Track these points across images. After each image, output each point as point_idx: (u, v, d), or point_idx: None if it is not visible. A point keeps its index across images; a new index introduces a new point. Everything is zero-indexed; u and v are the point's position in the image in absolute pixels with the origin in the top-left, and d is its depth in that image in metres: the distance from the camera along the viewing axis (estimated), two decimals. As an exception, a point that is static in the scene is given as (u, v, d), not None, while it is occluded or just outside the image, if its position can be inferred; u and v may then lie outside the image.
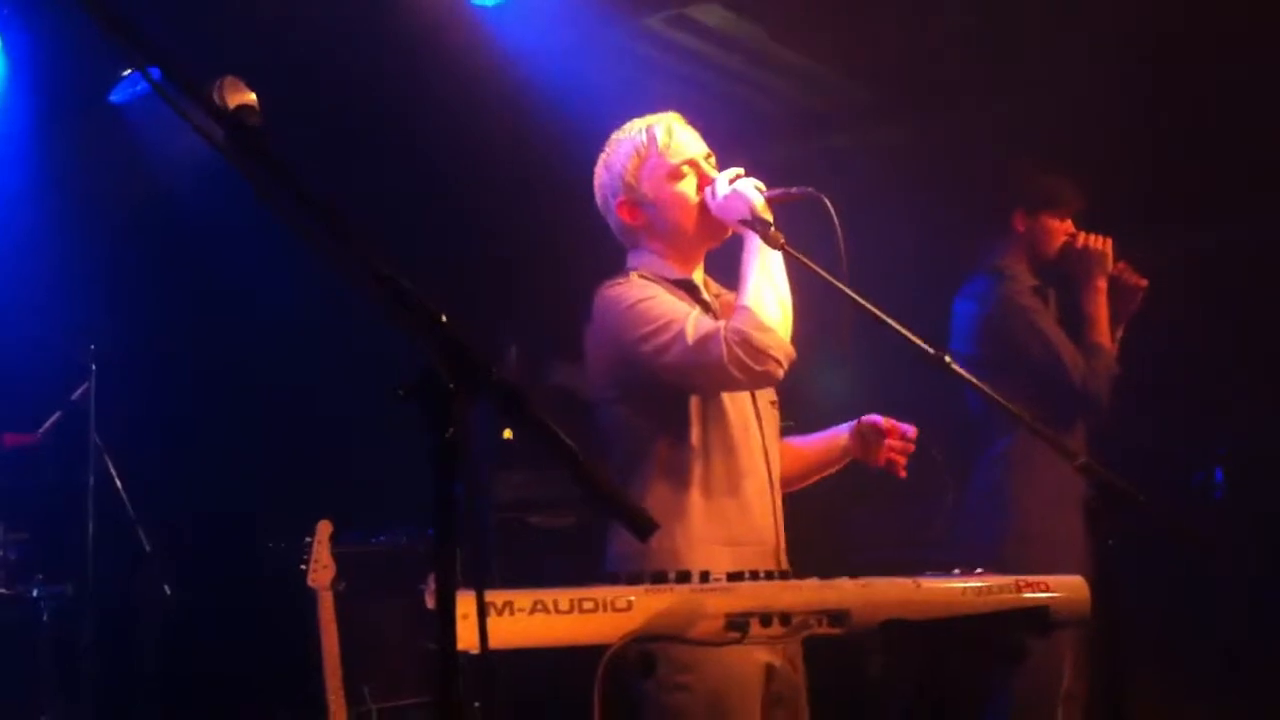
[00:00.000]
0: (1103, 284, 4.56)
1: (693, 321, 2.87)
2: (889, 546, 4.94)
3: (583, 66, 5.28)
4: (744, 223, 2.97)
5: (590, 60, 5.33)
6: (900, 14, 5.17)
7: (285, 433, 5.40)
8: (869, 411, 3.21)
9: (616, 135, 3.16)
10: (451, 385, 1.61)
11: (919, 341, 2.69)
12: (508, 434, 5.22)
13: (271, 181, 1.72)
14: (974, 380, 2.80)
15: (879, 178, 5.88)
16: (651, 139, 3.07)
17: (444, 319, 1.63)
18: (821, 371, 3.35)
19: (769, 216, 2.95)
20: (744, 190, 2.98)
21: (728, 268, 3.11)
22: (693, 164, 3.07)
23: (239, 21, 4.56)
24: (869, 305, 2.73)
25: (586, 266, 5.36)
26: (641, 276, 3.03)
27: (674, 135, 3.08)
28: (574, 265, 5.63)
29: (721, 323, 2.86)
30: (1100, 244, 4.58)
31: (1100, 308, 4.55)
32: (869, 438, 3.19)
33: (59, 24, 4.71)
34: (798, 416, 3.28)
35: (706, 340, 2.83)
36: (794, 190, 2.99)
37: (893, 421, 3.17)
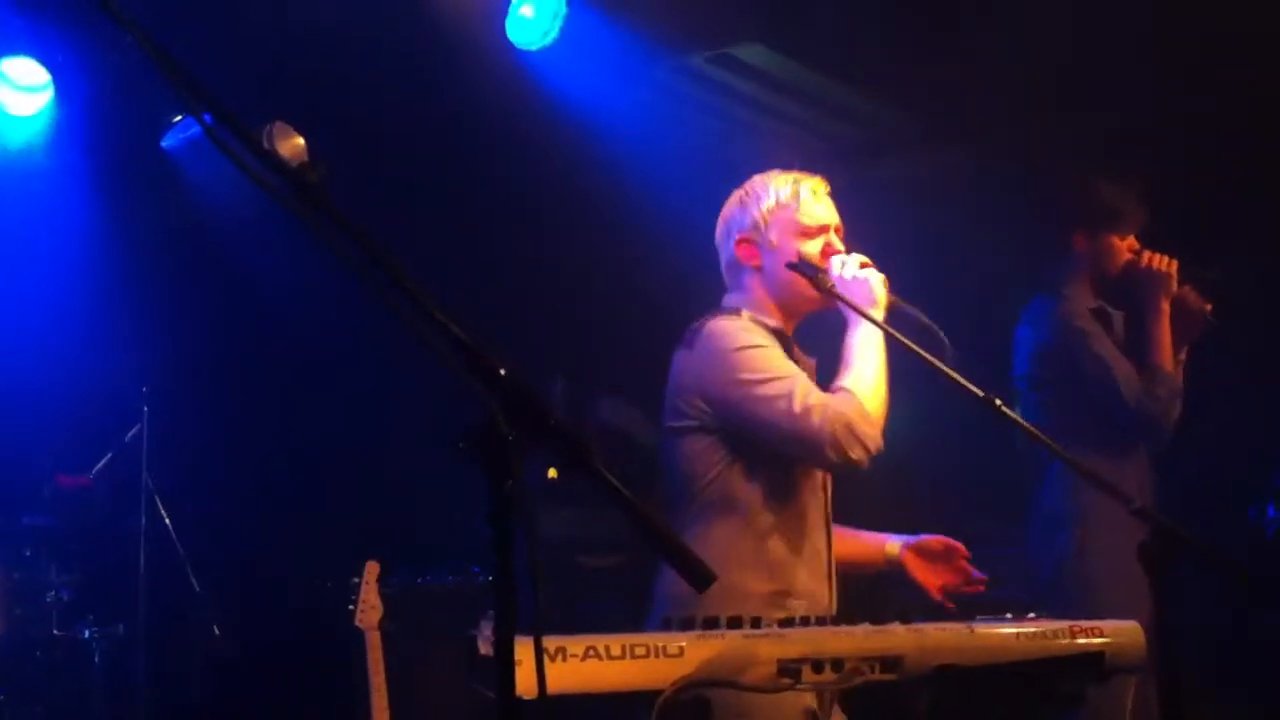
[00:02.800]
0: (1166, 306, 4.47)
1: (802, 387, 2.87)
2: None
3: (627, 106, 5.32)
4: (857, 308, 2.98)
5: (635, 99, 5.36)
6: (941, 44, 5.18)
7: (335, 473, 5.42)
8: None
9: (761, 177, 3.20)
10: (510, 436, 1.61)
11: (970, 386, 2.68)
12: (553, 473, 5.23)
13: (326, 228, 1.73)
14: (1021, 421, 2.80)
15: (925, 205, 5.88)
16: (795, 194, 3.12)
17: (503, 371, 1.64)
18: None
19: (869, 318, 2.96)
20: (873, 282, 3.01)
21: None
22: (824, 231, 3.12)
23: (288, 73, 4.62)
24: (927, 355, 2.74)
25: (633, 303, 5.42)
26: (753, 317, 3.06)
27: (817, 198, 3.14)
28: (621, 302, 5.71)
29: (827, 399, 2.86)
30: (1164, 265, 4.50)
31: (1163, 329, 4.46)
32: (925, 555, 3.19)
33: (112, 69, 4.78)
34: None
35: (811, 412, 2.83)
36: (910, 308, 2.99)
37: (935, 541, 3.17)
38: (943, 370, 2.72)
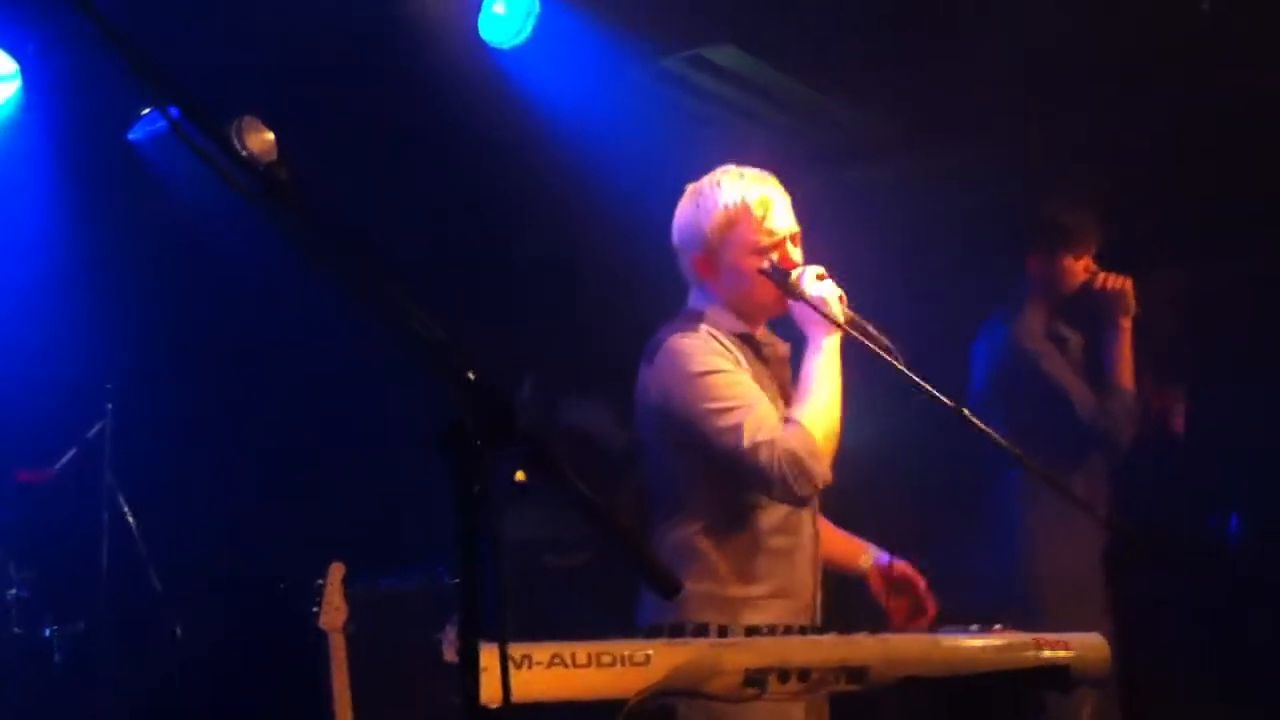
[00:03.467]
0: (1125, 324, 4.53)
1: (753, 421, 2.84)
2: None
3: (600, 106, 5.30)
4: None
5: (607, 100, 5.34)
6: (915, 50, 5.18)
7: (300, 473, 5.38)
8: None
9: (711, 183, 3.07)
10: (478, 440, 1.60)
11: (938, 394, 2.69)
12: (521, 475, 5.20)
13: (295, 225, 1.70)
14: (991, 432, 2.81)
15: (894, 211, 5.89)
16: (746, 207, 3.00)
17: (473, 375, 1.62)
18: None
19: (839, 324, 2.94)
20: (829, 296, 2.95)
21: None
22: (780, 246, 3.02)
23: (258, 69, 4.58)
24: (898, 363, 2.74)
25: (604, 303, 5.41)
26: (712, 334, 2.99)
27: (770, 209, 3.01)
28: (592, 301, 5.69)
29: (776, 433, 2.83)
30: (1120, 284, 4.55)
31: (1122, 348, 4.53)
32: (892, 581, 3.18)
33: (81, 59, 4.73)
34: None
35: (759, 449, 2.81)
36: (865, 322, 2.95)
37: (899, 569, 3.16)
38: (914, 380, 2.73)
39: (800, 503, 2.90)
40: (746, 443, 2.80)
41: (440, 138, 5.15)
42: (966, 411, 2.78)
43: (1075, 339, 4.67)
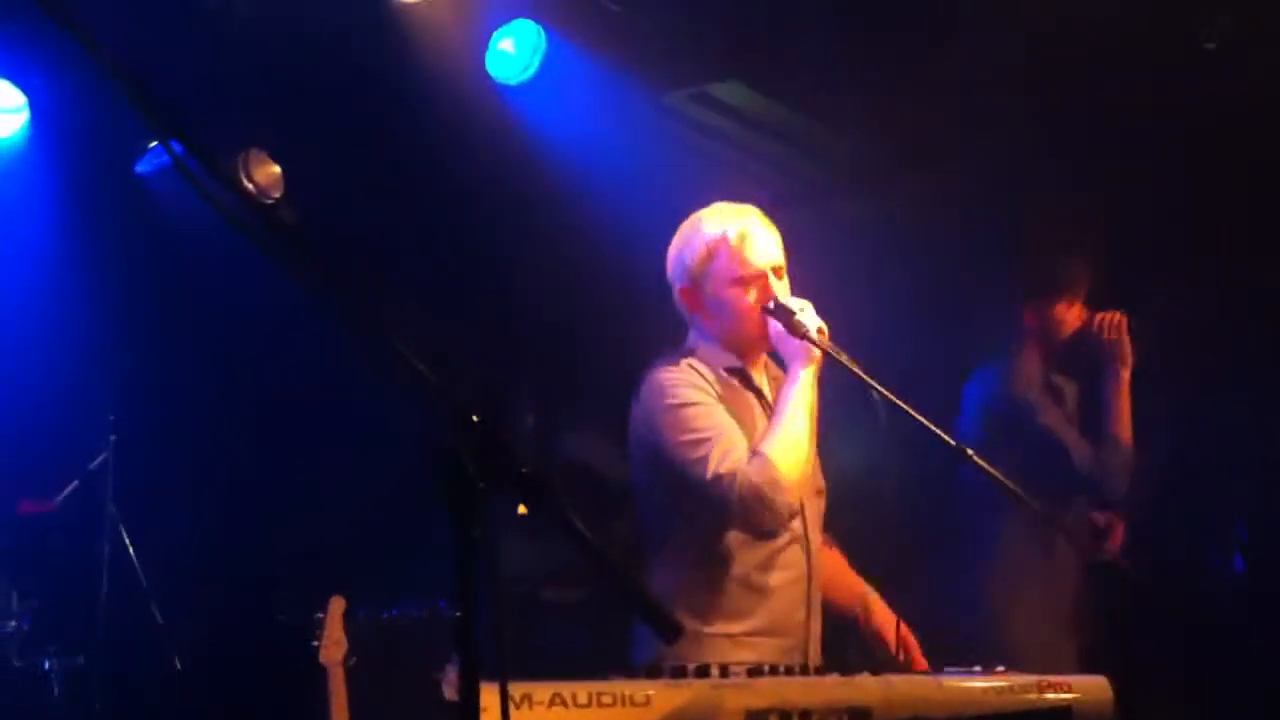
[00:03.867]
0: (1124, 374, 4.51)
1: (719, 451, 2.84)
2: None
3: (605, 141, 5.32)
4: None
5: (612, 135, 5.36)
6: (922, 88, 5.20)
7: (302, 506, 5.37)
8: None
9: (696, 219, 3.12)
10: (480, 484, 1.59)
11: (942, 434, 2.69)
12: (522, 509, 5.19)
13: (297, 264, 1.70)
14: (996, 474, 2.80)
15: (900, 246, 5.89)
16: (725, 240, 3.03)
17: (476, 418, 1.61)
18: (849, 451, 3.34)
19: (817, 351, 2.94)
20: (808, 328, 2.96)
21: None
22: (760, 278, 3.03)
23: (266, 103, 4.60)
24: (899, 401, 2.73)
25: (606, 336, 5.41)
26: (693, 366, 3.00)
27: (748, 241, 3.04)
28: (594, 334, 5.70)
29: (740, 466, 2.82)
30: (1115, 330, 4.52)
31: (1119, 397, 4.51)
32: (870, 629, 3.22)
33: (86, 92, 4.75)
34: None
35: (721, 480, 2.81)
36: (844, 357, 2.94)
37: (890, 630, 3.17)
38: (915, 417, 2.72)
39: (765, 535, 2.90)
40: (709, 474, 2.81)
41: (448, 172, 5.17)
42: (970, 452, 2.78)
43: (1070, 389, 4.66)
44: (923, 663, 3.13)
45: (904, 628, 3.18)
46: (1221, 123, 4.99)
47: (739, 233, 3.04)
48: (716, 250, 3.03)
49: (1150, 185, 5.21)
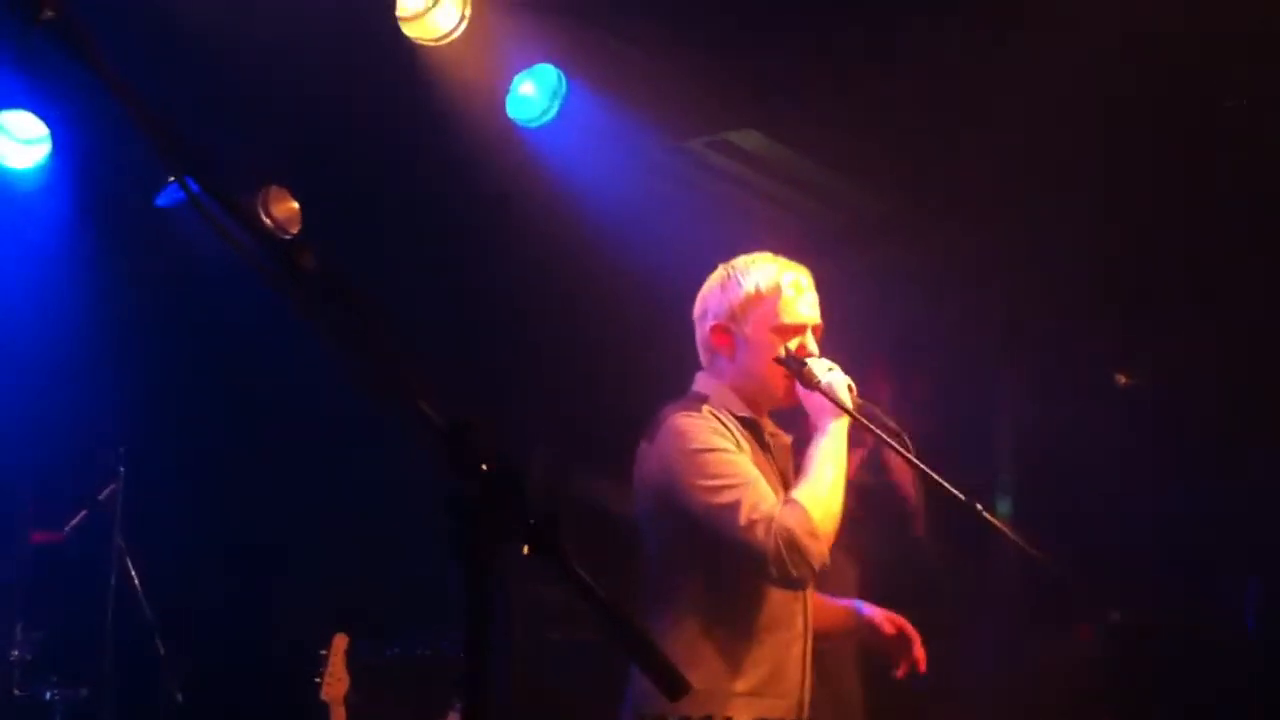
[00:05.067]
0: None
1: (751, 499, 2.81)
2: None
3: (623, 185, 5.34)
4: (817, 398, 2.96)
5: (631, 179, 5.38)
6: (940, 139, 5.22)
7: (308, 541, 5.38)
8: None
9: (745, 261, 3.12)
10: (490, 538, 1.58)
11: (954, 490, 2.68)
12: (527, 550, 5.17)
13: (312, 299, 1.70)
14: (1005, 529, 2.79)
15: (917, 297, 5.90)
16: (777, 287, 3.04)
17: (485, 467, 1.60)
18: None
19: (848, 410, 2.95)
20: (838, 385, 2.97)
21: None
22: (800, 331, 3.05)
23: (288, 145, 4.64)
24: (913, 458, 2.74)
25: (620, 379, 5.41)
26: (714, 413, 2.98)
27: (799, 295, 3.06)
28: (608, 376, 5.70)
29: (774, 513, 2.81)
30: None
31: None
32: (868, 632, 3.22)
33: (108, 123, 4.79)
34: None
35: (755, 526, 2.78)
36: (877, 411, 2.96)
37: (889, 624, 3.17)
38: (930, 475, 2.72)
39: (797, 585, 2.86)
40: (743, 520, 2.78)
41: (467, 214, 5.20)
42: (980, 507, 2.77)
43: None
44: (921, 652, 3.13)
45: (899, 618, 3.17)
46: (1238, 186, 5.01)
47: (794, 283, 3.06)
48: (766, 297, 3.03)
49: (1171, 246, 5.22)
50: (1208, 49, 4.38)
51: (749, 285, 3.06)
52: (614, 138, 5.11)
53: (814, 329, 3.08)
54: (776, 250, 3.18)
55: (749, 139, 5.49)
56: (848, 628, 3.25)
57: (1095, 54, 4.40)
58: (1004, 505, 6.15)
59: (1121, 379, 5.03)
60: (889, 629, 3.18)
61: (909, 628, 3.17)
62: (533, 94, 5.02)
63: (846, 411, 2.91)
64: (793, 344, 3.04)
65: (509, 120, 4.99)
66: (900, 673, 3.17)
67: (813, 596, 3.06)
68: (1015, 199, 5.48)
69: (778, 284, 3.05)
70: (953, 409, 5.08)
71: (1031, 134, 5.03)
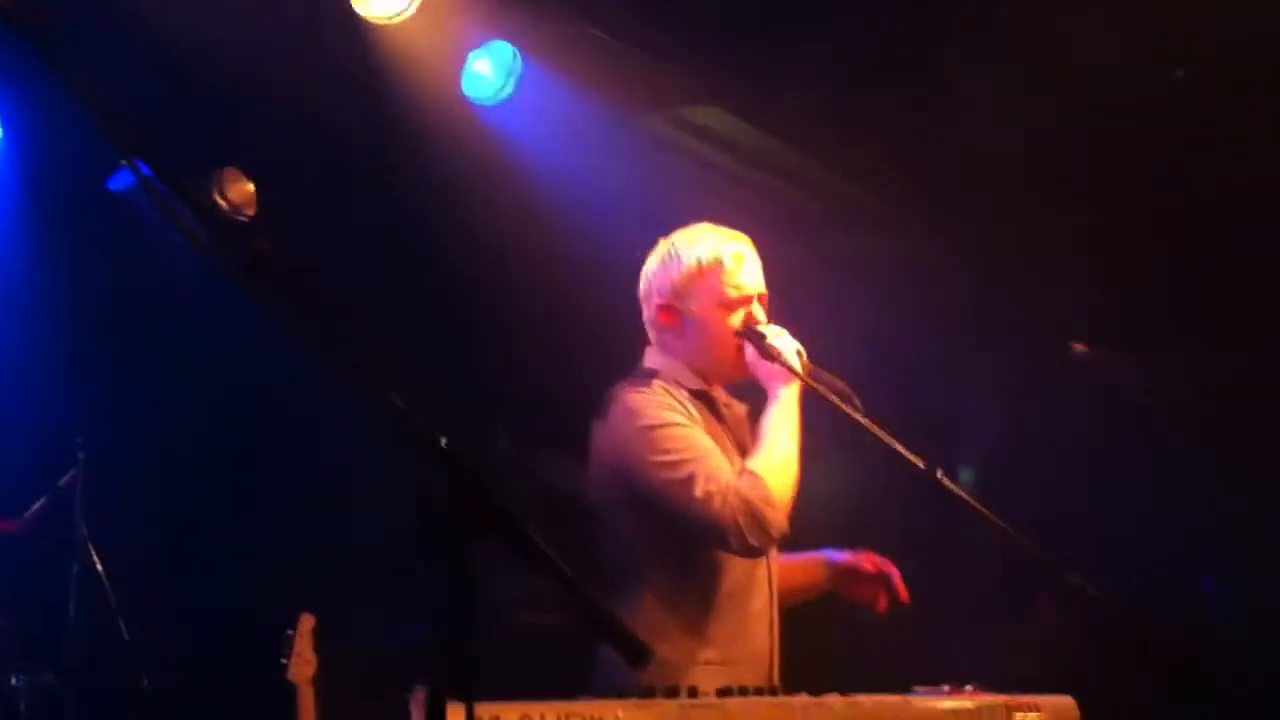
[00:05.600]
0: None
1: (706, 471, 2.81)
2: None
3: (582, 163, 5.33)
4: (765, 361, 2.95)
5: (589, 157, 5.37)
6: (899, 118, 5.22)
7: (271, 524, 5.35)
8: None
9: (684, 236, 3.09)
10: (454, 516, 1.58)
11: (912, 457, 2.69)
12: (491, 531, 5.17)
13: (265, 284, 1.69)
14: (965, 496, 2.80)
15: (873, 278, 5.92)
16: (718, 261, 3.02)
17: (445, 445, 1.60)
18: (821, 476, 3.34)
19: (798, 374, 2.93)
20: (788, 353, 2.96)
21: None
22: (746, 302, 3.03)
23: (241, 124, 4.60)
24: (872, 425, 2.74)
25: (581, 356, 5.41)
26: (664, 388, 2.97)
27: (741, 266, 3.03)
28: (568, 355, 5.69)
29: (730, 484, 2.81)
30: None
31: None
32: (850, 575, 3.20)
33: (60, 107, 4.72)
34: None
35: (712, 498, 2.78)
36: (829, 375, 2.94)
37: (876, 567, 3.16)
38: (885, 440, 2.73)
39: (756, 553, 2.87)
40: (699, 493, 2.78)
41: (421, 192, 5.17)
42: (940, 474, 2.78)
43: None
44: (903, 589, 3.13)
45: (876, 557, 3.16)
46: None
47: (735, 255, 3.03)
48: (709, 271, 3.01)
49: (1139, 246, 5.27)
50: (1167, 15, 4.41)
51: (690, 260, 3.04)
52: (571, 115, 5.10)
53: (760, 297, 3.07)
54: (731, 223, 3.16)
55: (709, 115, 5.48)
56: (818, 581, 3.24)
57: (1060, 40, 4.43)
58: (966, 477, 6.21)
59: (1079, 348, 5.07)
60: (868, 565, 3.17)
61: (886, 562, 3.17)
62: (488, 72, 5.00)
63: (800, 379, 2.90)
64: (737, 317, 3.02)
65: (464, 99, 4.97)
66: (883, 606, 3.16)
67: (776, 560, 3.07)
68: (981, 185, 5.51)
69: (718, 256, 3.02)
70: (920, 393, 5.10)
71: (999, 121, 5.05)
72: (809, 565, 3.24)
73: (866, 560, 3.19)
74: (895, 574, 3.15)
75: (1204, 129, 4.80)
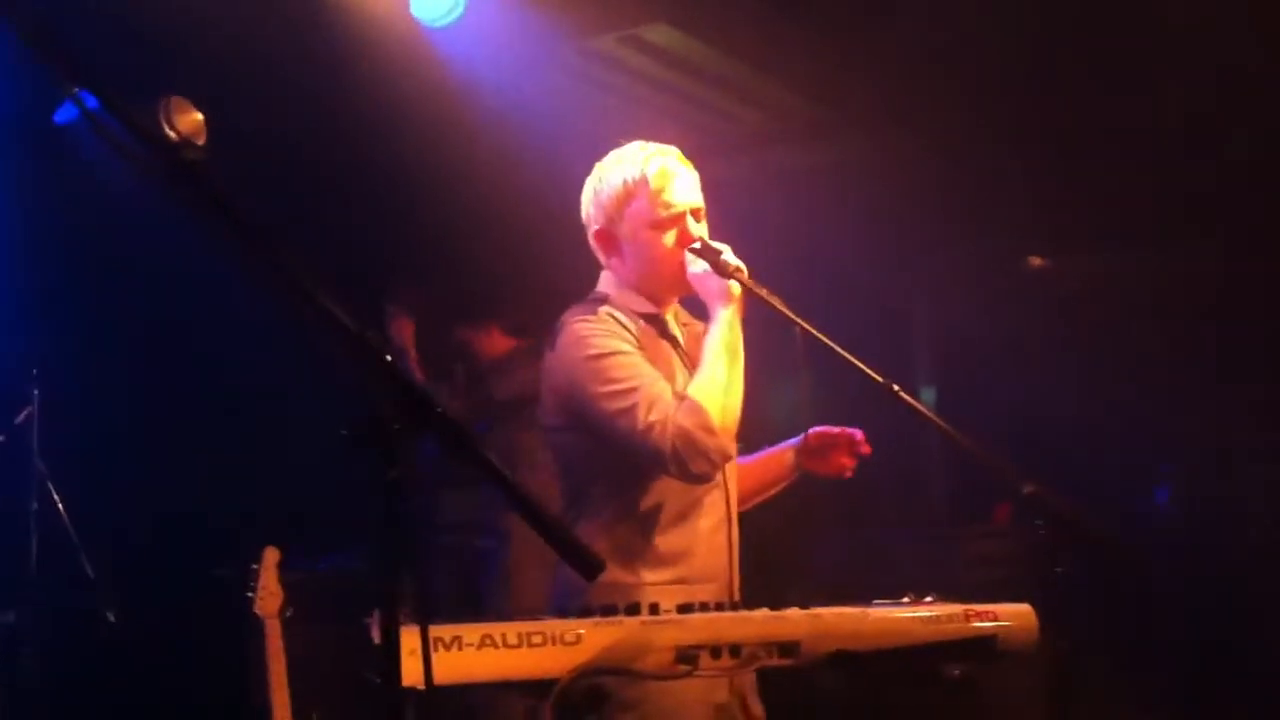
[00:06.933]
0: None
1: (647, 399, 2.79)
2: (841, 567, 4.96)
3: (533, 85, 5.28)
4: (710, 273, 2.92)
5: (540, 79, 5.32)
6: (851, 32, 5.20)
7: (233, 457, 5.34)
8: (817, 424, 3.18)
9: (614, 157, 3.03)
10: (396, 425, 1.60)
11: (869, 371, 2.70)
12: (441, 445, 5.20)
13: (208, 209, 1.69)
14: (921, 408, 2.82)
15: (826, 195, 5.92)
16: (644, 180, 2.94)
17: (388, 357, 1.62)
18: (774, 393, 3.34)
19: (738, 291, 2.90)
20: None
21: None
22: (679, 220, 2.96)
23: (183, 45, 4.52)
24: (825, 339, 2.73)
25: (536, 285, 5.40)
26: (611, 314, 2.95)
27: (668, 181, 2.95)
28: (522, 283, 5.68)
29: (669, 413, 2.78)
30: None
31: None
32: (818, 450, 3.17)
33: (3, 40, 4.63)
34: (749, 437, 3.27)
35: (652, 429, 2.77)
36: (764, 292, 2.90)
37: (842, 430, 3.16)
38: (840, 353, 2.73)
39: (699, 480, 2.85)
40: (640, 424, 2.77)
41: (371, 115, 5.12)
42: (897, 388, 2.78)
43: None
44: (866, 444, 3.11)
45: (845, 430, 3.14)
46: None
47: (659, 172, 2.95)
48: (635, 191, 2.95)
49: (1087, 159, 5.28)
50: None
51: (616, 182, 2.97)
52: (522, 35, 5.05)
53: (694, 212, 3.00)
54: (691, 150, 3.10)
55: (660, 34, 5.44)
56: (786, 469, 3.20)
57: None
58: (927, 395, 6.26)
59: (1035, 261, 5.10)
60: (836, 429, 3.13)
61: (833, 431, 3.13)
62: (437, -8, 4.94)
63: (754, 291, 2.87)
64: (670, 236, 2.96)
65: (413, 19, 4.90)
66: (850, 469, 3.14)
67: (733, 475, 3.07)
68: (930, 92, 5.49)
69: (643, 174, 2.95)
70: (871, 305, 5.12)
71: (946, 30, 5.04)
72: (772, 458, 3.20)
73: (813, 436, 3.14)
74: (858, 433, 3.14)
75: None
